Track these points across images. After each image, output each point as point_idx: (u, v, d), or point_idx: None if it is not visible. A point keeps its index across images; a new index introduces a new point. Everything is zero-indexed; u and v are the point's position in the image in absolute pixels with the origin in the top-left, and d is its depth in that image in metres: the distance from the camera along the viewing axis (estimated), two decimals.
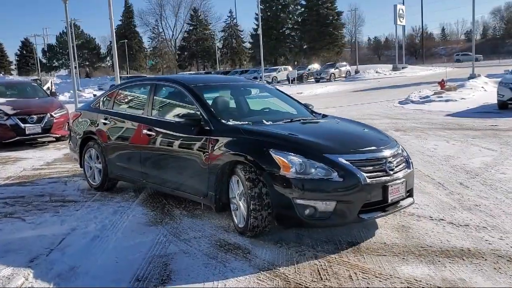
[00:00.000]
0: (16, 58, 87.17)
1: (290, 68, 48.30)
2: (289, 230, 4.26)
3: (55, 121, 10.43)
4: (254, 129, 4.37)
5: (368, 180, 3.86)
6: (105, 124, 5.88)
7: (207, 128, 4.56)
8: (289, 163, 3.84)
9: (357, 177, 3.82)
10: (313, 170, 3.82)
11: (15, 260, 3.80)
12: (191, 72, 67.09)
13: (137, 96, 5.88)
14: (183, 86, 5.11)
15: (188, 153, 4.67)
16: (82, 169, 6.48)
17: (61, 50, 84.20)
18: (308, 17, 68.97)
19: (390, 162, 4.10)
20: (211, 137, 4.47)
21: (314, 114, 5.39)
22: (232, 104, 5.43)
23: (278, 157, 3.89)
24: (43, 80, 38.16)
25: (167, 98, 5.49)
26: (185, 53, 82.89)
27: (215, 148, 4.39)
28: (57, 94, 14.75)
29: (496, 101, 14.45)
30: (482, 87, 20.99)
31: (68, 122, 10.70)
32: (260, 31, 31.55)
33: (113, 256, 3.84)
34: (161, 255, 3.83)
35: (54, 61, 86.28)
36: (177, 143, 4.82)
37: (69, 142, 6.87)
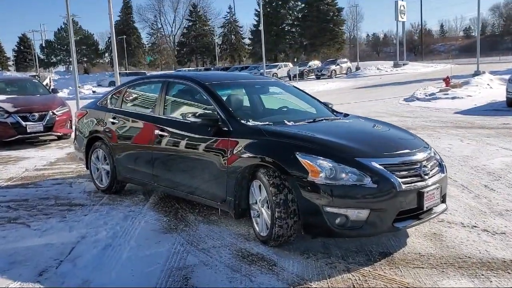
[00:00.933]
0: (14, 54, 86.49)
1: (290, 64, 47.93)
2: (315, 239, 3.98)
3: (57, 119, 10.10)
4: (277, 130, 4.08)
5: (403, 186, 3.58)
6: (113, 123, 5.58)
7: (225, 129, 4.27)
8: (318, 168, 3.55)
9: (391, 183, 3.54)
10: (344, 175, 3.53)
11: (22, 273, 3.51)
12: (190, 68, 66.66)
13: (148, 94, 5.58)
14: (198, 83, 4.82)
15: (205, 155, 4.38)
16: (88, 170, 6.18)
17: (59, 46, 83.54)
18: (309, 13, 68.57)
19: (425, 166, 3.82)
20: (230, 139, 4.18)
21: (335, 113, 5.10)
22: (249, 102, 5.14)
23: (305, 161, 3.61)
24: (41, 76, 37.71)
25: (180, 96, 5.19)
26: (184, 49, 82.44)
27: (234, 151, 4.10)
28: (58, 90, 14.39)
29: (504, 99, 14.23)
30: (488, 84, 20.71)
31: (70, 120, 10.43)
32: (261, 27, 31.16)
33: (128, 269, 3.55)
34: (180, 267, 3.54)
35: (52, 57, 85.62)
36: (192, 144, 4.53)
37: (74, 141, 6.57)
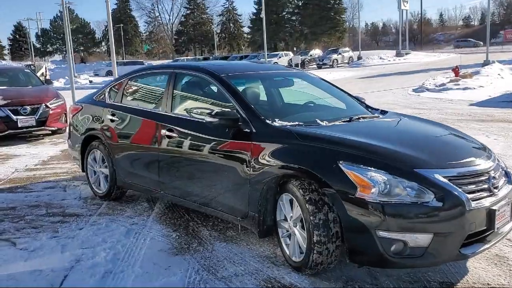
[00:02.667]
0: (9, 43, 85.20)
1: (291, 53, 47.02)
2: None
3: (51, 112, 9.31)
4: (312, 133, 3.37)
5: (473, 204, 2.89)
6: (112, 121, 4.86)
7: (246, 130, 3.57)
8: (370, 182, 2.86)
9: (459, 199, 2.85)
10: (401, 191, 2.84)
11: None
12: (188, 57, 65.60)
13: (152, 88, 4.87)
14: (211, 75, 4.09)
15: (222, 161, 3.68)
16: (83, 172, 5.47)
17: (55, 35, 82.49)
18: (309, 1, 67.48)
19: (493, 177, 3.13)
20: (253, 143, 3.48)
21: (369, 109, 4.39)
22: (271, 98, 4.43)
23: (352, 173, 2.91)
24: (37, 66, 36.71)
25: (191, 90, 4.46)
26: (182, 38, 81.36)
27: (259, 157, 3.40)
28: (52, 81, 13.55)
29: None
30: (499, 74, 19.98)
31: (65, 113, 9.69)
32: (263, 14, 30.29)
33: None
34: None
35: (48, 46, 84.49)
36: (206, 148, 3.81)
37: (68, 140, 5.85)
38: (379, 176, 2.87)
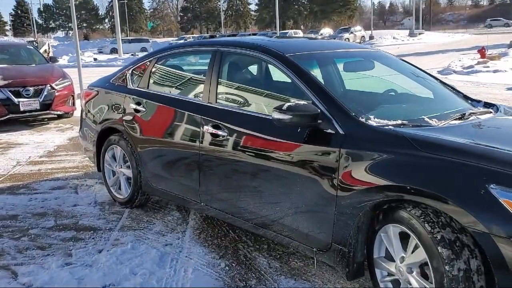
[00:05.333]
0: (11, 19, 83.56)
1: (300, 32, 45.64)
2: None
3: (56, 94, 8.29)
4: (437, 139, 2.38)
5: None
6: (137, 111, 3.88)
7: (329, 131, 2.60)
8: None
9: None
10: None
11: None
12: (194, 35, 64.06)
13: (190, 71, 3.88)
14: (274, 55, 3.08)
15: (293, 171, 2.72)
16: (98, 171, 4.53)
17: (58, 11, 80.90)
18: None
19: None
20: (343, 149, 2.51)
21: (470, 101, 3.41)
22: (349, 86, 3.46)
23: None
24: (39, 42, 35.43)
25: (244, 75, 3.48)
26: (188, 15, 79.68)
27: (352, 170, 2.44)
28: (58, 59, 12.46)
29: None
30: None
31: (72, 95, 8.73)
32: None
33: None
34: None
35: (51, 22, 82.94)
36: (269, 152, 2.85)
37: (79, 131, 4.90)
38: None
